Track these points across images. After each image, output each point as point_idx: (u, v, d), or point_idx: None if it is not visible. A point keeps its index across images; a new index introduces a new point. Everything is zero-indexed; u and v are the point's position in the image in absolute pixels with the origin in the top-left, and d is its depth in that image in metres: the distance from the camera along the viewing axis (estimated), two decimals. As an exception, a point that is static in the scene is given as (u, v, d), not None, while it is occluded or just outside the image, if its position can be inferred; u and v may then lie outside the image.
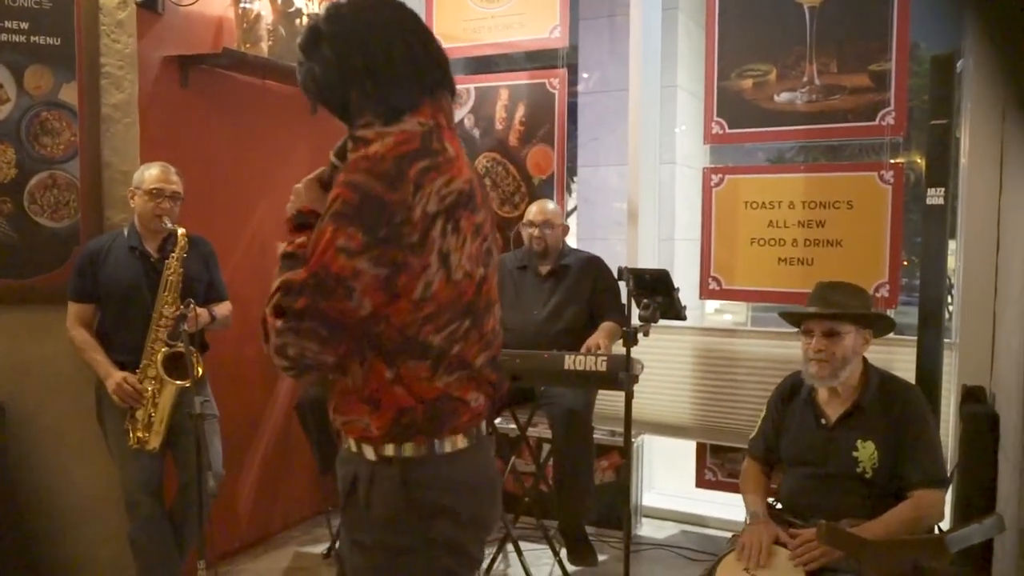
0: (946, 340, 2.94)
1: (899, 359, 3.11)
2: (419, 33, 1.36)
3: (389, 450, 1.33)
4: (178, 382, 2.69)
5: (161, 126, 3.17)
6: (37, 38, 2.97)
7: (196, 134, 3.34)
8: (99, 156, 3.01)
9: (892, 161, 3.35)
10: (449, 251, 1.29)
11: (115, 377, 2.68)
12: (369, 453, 1.35)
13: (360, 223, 1.23)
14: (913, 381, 2.68)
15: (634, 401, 2.75)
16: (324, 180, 1.44)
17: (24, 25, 2.95)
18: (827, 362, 2.23)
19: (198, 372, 2.73)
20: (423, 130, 1.32)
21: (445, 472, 1.34)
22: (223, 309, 2.95)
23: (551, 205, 3.51)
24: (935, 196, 2.79)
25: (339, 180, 1.27)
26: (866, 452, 2.18)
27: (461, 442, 1.36)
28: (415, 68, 1.34)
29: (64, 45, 2.97)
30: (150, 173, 2.77)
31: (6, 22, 2.92)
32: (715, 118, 3.65)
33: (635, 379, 2.82)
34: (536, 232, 3.41)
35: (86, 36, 2.98)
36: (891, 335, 3.00)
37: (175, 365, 2.71)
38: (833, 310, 2.25)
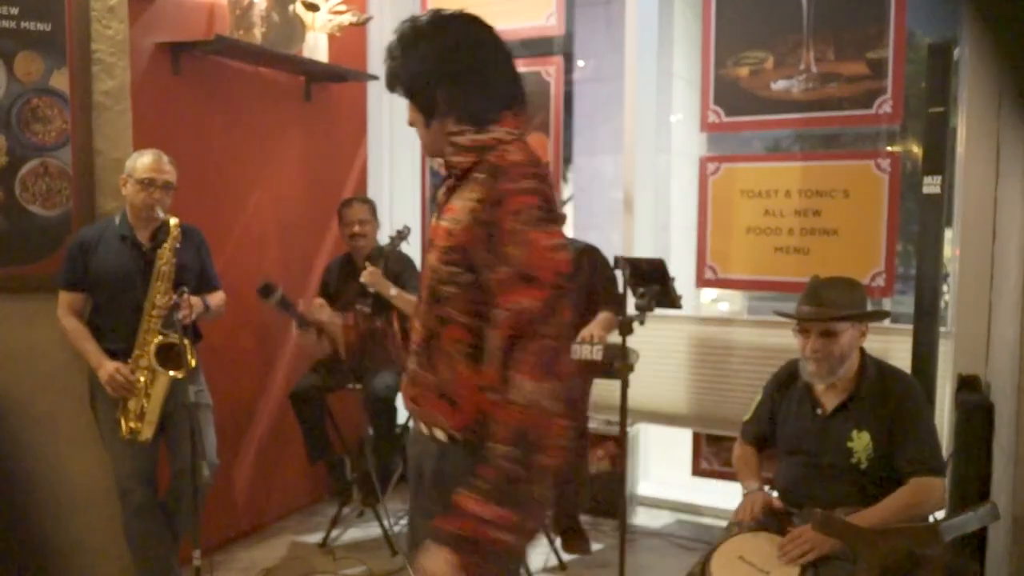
0: (942, 329, 2.94)
1: (895, 348, 3.11)
2: (505, 51, 1.48)
3: None
4: (171, 373, 2.67)
5: (153, 113, 3.14)
6: (27, 24, 2.94)
7: (188, 121, 3.31)
8: (91, 143, 2.98)
9: (888, 149, 3.35)
10: None
11: (107, 368, 2.66)
12: None
13: (552, 220, 1.35)
14: (909, 370, 2.68)
15: (630, 390, 2.75)
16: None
17: (14, 10, 2.92)
18: (824, 361, 2.23)
19: (192, 363, 2.72)
20: (517, 138, 1.45)
21: None
22: (216, 299, 2.94)
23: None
24: (931, 184, 2.78)
25: (509, 189, 1.34)
26: (861, 443, 2.18)
27: None
28: (502, 81, 1.46)
29: (55, 31, 2.93)
30: (142, 161, 2.74)
31: (-3, 8, 2.89)
32: (712, 106, 3.63)
33: (631, 368, 2.82)
34: None
35: (77, 22, 2.95)
36: (887, 324, 3.01)
37: (168, 355, 2.69)
38: (828, 313, 2.23)
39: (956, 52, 3.00)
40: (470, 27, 1.47)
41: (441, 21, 1.46)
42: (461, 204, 1.39)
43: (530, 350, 1.27)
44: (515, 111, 1.46)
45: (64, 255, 2.79)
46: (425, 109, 1.45)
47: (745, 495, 2.33)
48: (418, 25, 1.45)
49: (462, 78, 1.42)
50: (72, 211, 2.95)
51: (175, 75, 3.24)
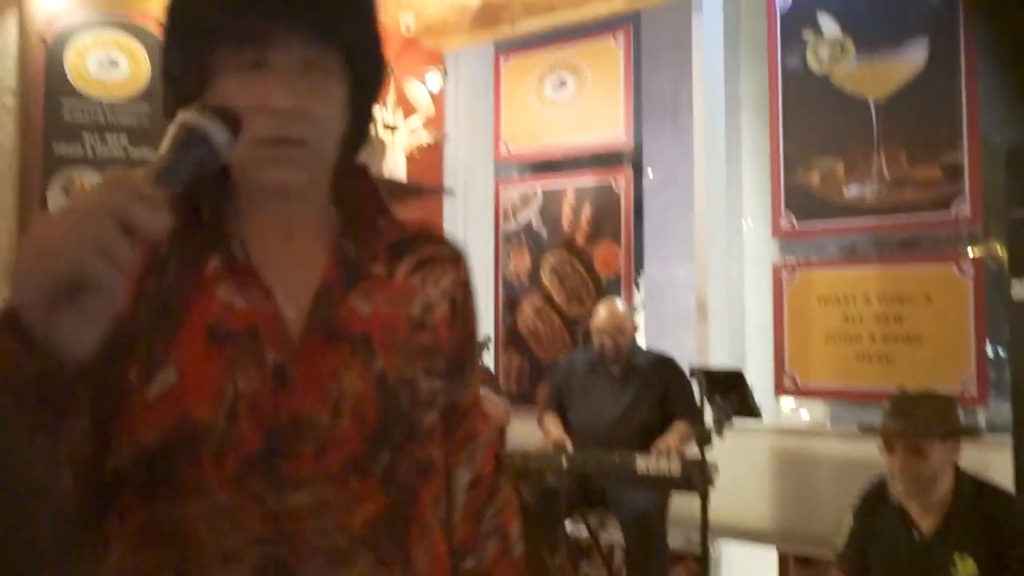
0: (1044, 440, 2.77)
1: (994, 460, 2.93)
2: None
3: None
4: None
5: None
6: (134, 150, 3.19)
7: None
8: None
9: (970, 252, 3.27)
10: None
11: None
12: None
13: None
14: (1012, 485, 2.53)
15: (710, 505, 2.66)
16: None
17: (123, 139, 3.18)
18: (915, 481, 2.13)
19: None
20: None
21: None
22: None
23: (621, 308, 3.50)
24: (1020, 289, 2.69)
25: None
26: (966, 571, 2.04)
27: None
28: None
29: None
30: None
31: (108, 137, 3.15)
32: (783, 212, 3.63)
33: (711, 482, 2.74)
34: (608, 340, 3.39)
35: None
36: (985, 436, 2.85)
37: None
38: (916, 429, 2.14)
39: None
40: None
41: None
42: (426, 286, 0.89)
43: (507, 488, 0.99)
44: None
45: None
46: (368, 98, 0.87)
47: None
48: None
49: None
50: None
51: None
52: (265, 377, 0.77)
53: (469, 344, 0.94)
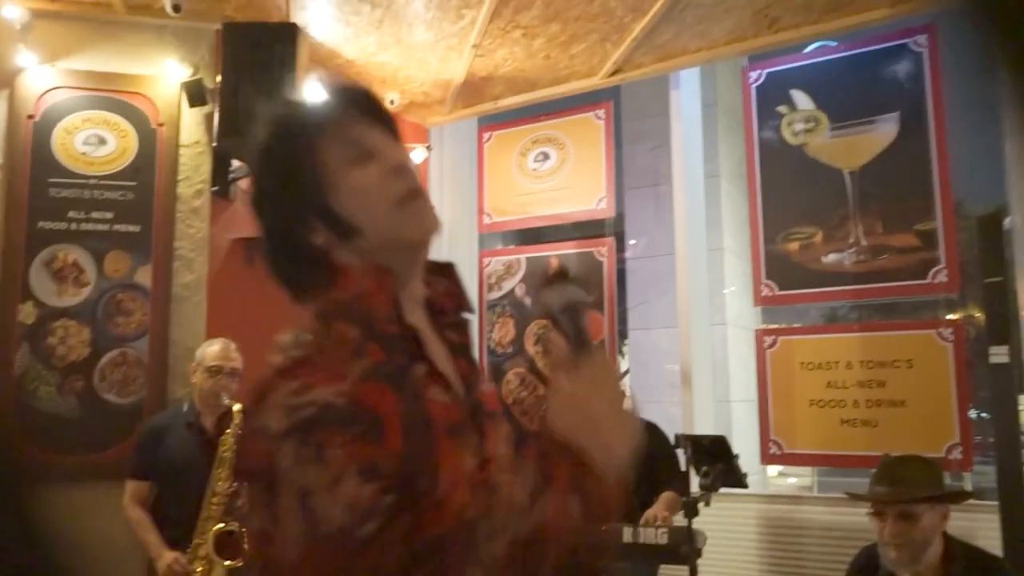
0: (1031, 505, 2.76)
1: (982, 527, 2.91)
2: None
3: None
4: (227, 562, 2.65)
5: (227, 302, 3.31)
6: (119, 226, 3.20)
7: (260, 309, 3.46)
8: (167, 333, 3.14)
9: (949, 318, 3.31)
10: None
11: (166, 559, 2.65)
12: None
13: None
14: (1000, 550, 2.50)
15: (699, 574, 2.61)
16: None
17: (108, 215, 3.19)
18: (906, 547, 2.10)
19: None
20: None
21: None
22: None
23: (604, 371, 3.49)
24: (999, 355, 2.72)
25: None
26: (958, 639, 2.01)
27: None
28: None
29: (143, 232, 3.19)
30: (211, 350, 2.86)
31: (93, 212, 3.16)
32: (764, 280, 3.68)
33: (699, 552, 2.69)
34: None
35: (163, 223, 3.20)
36: (970, 501, 2.83)
37: (227, 543, 2.67)
38: (906, 494, 2.12)
39: (1007, 221, 3.03)
40: None
41: None
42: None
43: None
44: None
45: (134, 444, 2.87)
46: None
47: None
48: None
49: None
50: (145, 399, 3.06)
51: (249, 265, 3.44)
52: (478, 459, 0.89)
53: None
